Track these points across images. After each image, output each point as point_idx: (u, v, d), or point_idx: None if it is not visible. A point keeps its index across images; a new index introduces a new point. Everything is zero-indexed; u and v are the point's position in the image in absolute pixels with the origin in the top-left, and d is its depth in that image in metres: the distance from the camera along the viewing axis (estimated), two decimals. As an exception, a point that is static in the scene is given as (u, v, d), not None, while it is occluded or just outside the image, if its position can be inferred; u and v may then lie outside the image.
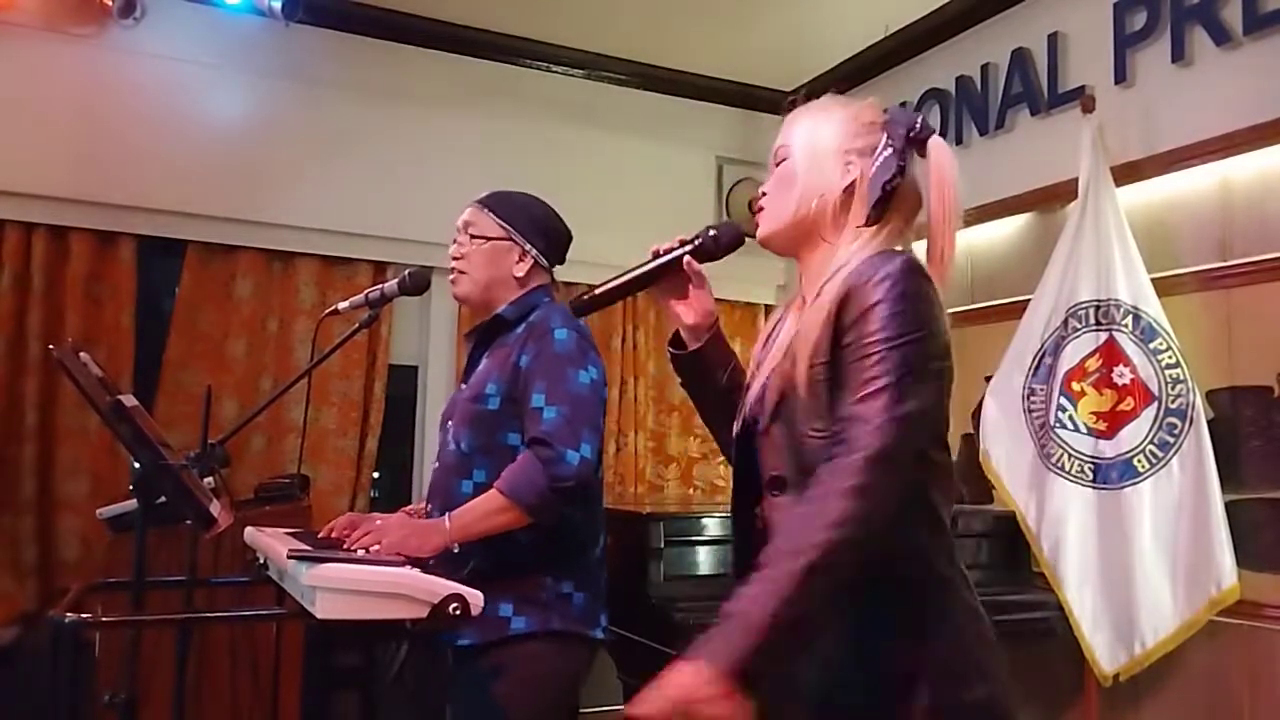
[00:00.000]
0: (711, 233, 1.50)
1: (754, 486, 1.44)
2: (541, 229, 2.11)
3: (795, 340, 1.35)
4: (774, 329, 1.52)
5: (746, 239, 1.53)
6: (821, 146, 1.43)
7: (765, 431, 1.37)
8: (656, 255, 1.50)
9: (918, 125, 1.40)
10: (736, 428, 1.46)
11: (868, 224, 1.39)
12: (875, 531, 1.19)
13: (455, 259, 2.09)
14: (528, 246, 2.08)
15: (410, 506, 2.22)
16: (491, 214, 2.08)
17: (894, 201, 1.39)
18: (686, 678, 1.13)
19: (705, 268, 1.53)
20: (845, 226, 1.41)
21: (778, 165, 1.48)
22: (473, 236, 2.08)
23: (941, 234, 1.37)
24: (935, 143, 1.40)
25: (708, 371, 1.55)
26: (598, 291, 1.51)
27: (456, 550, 1.86)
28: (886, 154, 1.39)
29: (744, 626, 1.14)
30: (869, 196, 1.39)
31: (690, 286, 1.51)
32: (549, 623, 1.91)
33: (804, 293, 1.47)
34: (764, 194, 1.49)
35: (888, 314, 1.25)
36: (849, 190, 1.41)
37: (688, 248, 1.50)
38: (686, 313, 1.52)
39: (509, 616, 1.90)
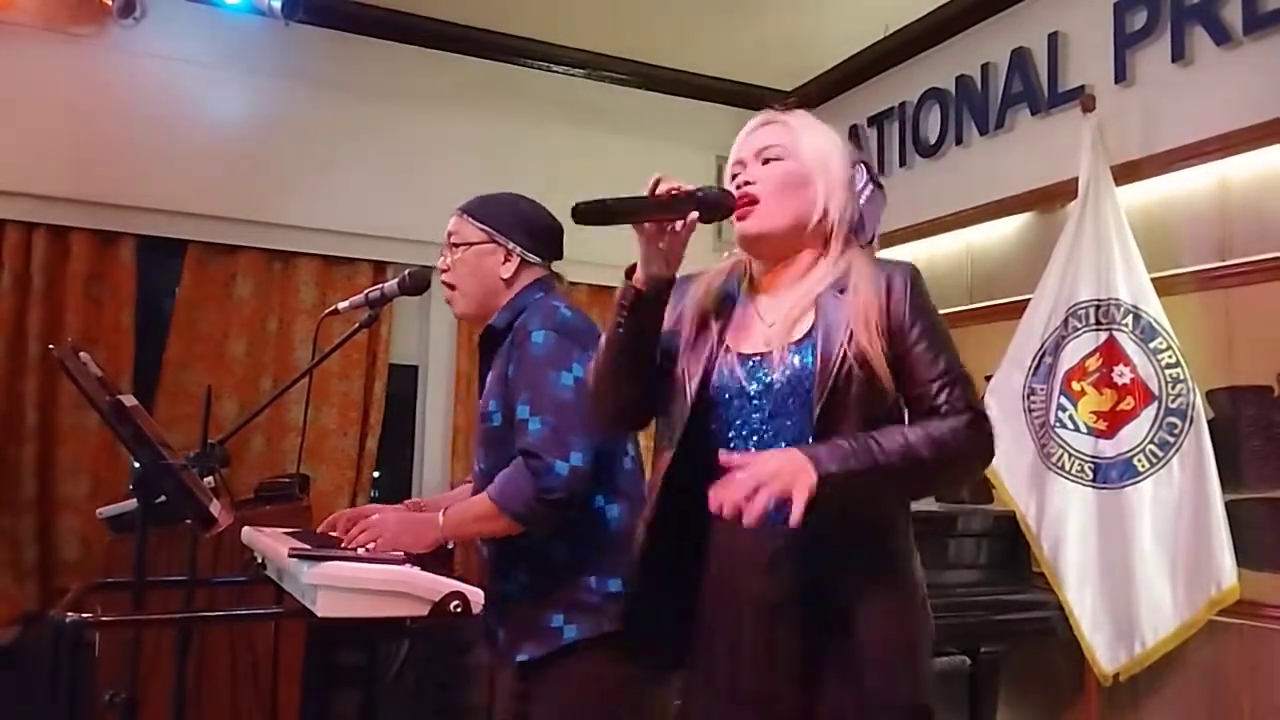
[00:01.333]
0: (717, 193, 1.52)
1: (703, 465, 1.47)
2: (523, 225, 2.03)
3: (843, 329, 1.47)
4: (709, 307, 1.59)
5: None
6: (835, 167, 1.58)
7: (821, 415, 1.43)
8: (656, 186, 1.46)
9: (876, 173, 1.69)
10: (688, 410, 1.52)
11: (865, 244, 1.61)
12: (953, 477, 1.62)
13: (444, 272, 2.04)
14: (511, 245, 2.00)
15: (411, 500, 2.21)
16: (471, 219, 2.02)
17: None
18: (793, 463, 1.34)
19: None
20: (832, 243, 1.58)
21: (771, 163, 1.57)
22: (454, 245, 2.03)
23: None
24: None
25: (652, 324, 1.53)
26: (608, 201, 1.42)
27: (495, 565, 1.88)
28: (874, 190, 1.63)
29: (862, 461, 1.38)
30: (870, 226, 1.62)
31: (673, 236, 1.48)
32: (601, 626, 1.83)
33: (766, 282, 1.59)
34: (751, 183, 1.55)
35: (933, 317, 1.52)
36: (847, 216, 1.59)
37: (698, 196, 1.48)
38: (662, 262, 1.49)
39: (560, 627, 1.84)
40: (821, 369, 1.45)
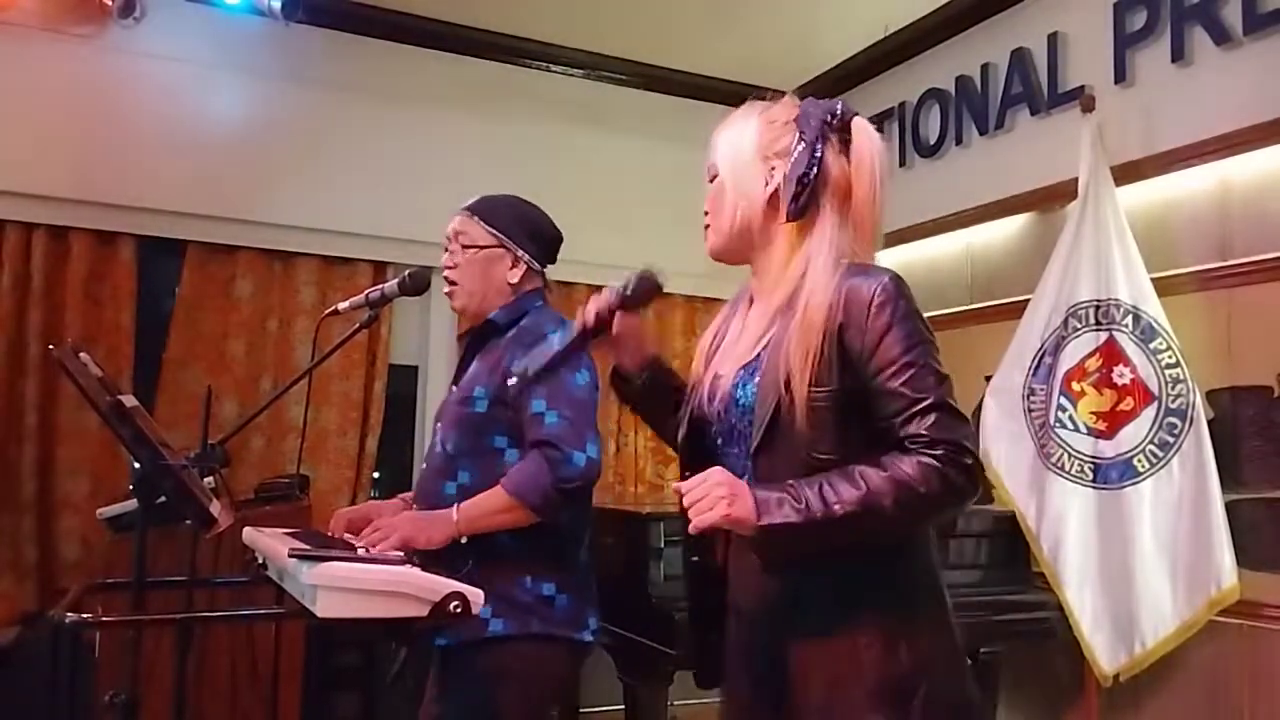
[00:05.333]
0: (626, 291, 1.54)
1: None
2: (532, 233, 2.10)
3: (783, 358, 1.36)
4: (722, 325, 1.59)
5: (661, 289, 1.56)
6: (742, 157, 1.49)
7: (758, 452, 1.39)
8: (584, 324, 1.56)
9: (836, 111, 1.46)
10: (684, 429, 1.54)
11: (789, 219, 1.44)
12: (925, 520, 1.39)
13: (448, 268, 2.08)
14: (520, 253, 2.07)
15: (406, 494, 2.21)
16: (481, 222, 2.07)
17: (821, 195, 1.44)
18: (743, 511, 1.27)
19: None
20: (778, 227, 1.47)
21: (711, 182, 1.54)
22: (464, 246, 2.06)
23: (868, 215, 1.44)
24: (858, 125, 1.46)
25: (654, 401, 1.64)
26: (538, 369, 1.63)
27: (439, 550, 1.86)
28: (799, 149, 1.44)
29: (812, 513, 1.27)
30: (785, 194, 1.44)
31: (623, 337, 1.58)
32: (528, 626, 1.90)
33: (754, 291, 1.55)
34: (706, 213, 1.55)
35: (903, 334, 1.34)
36: (775, 194, 1.47)
37: (599, 310, 1.55)
38: (624, 359, 1.62)
39: (487, 618, 1.88)
40: (759, 405, 1.39)
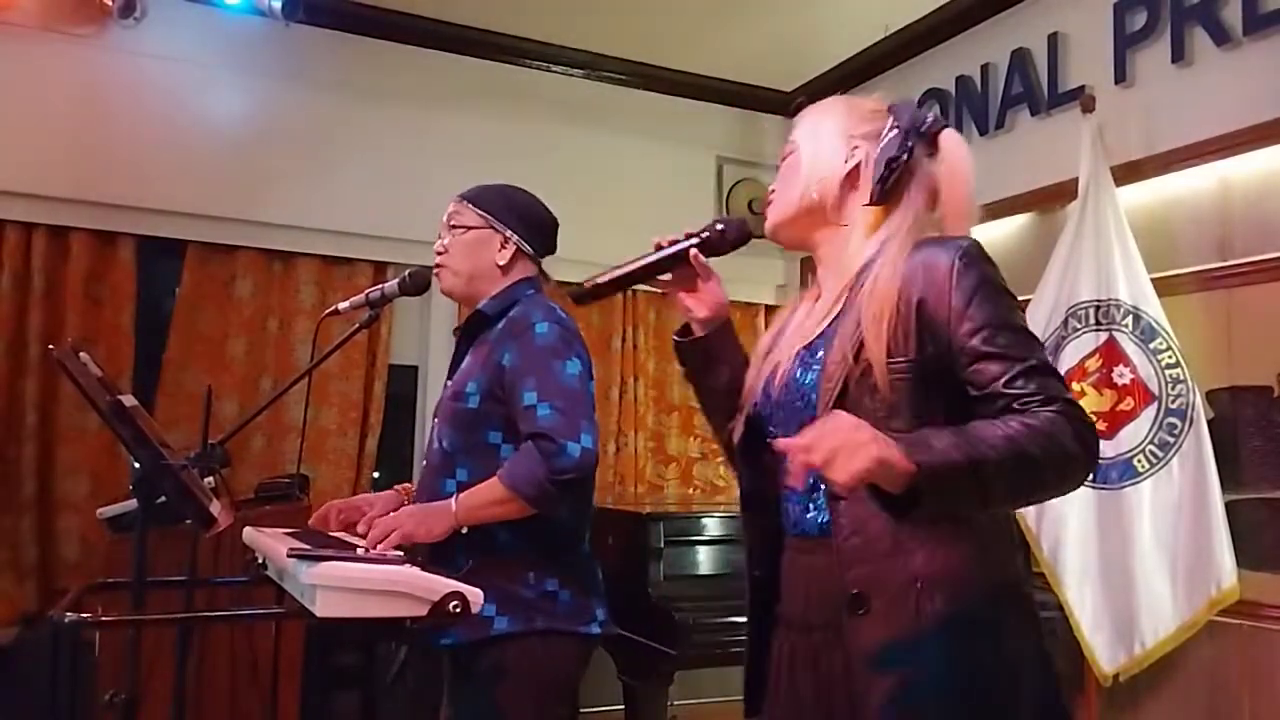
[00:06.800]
0: (719, 226, 1.49)
1: (769, 484, 1.44)
2: (521, 215, 2.09)
3: (852, 328, 1.30)
4: (783, 325, 1.52)
5: (753, 236, 1.51)
6: (824, 132, 1.46)
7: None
8: (659, 247, 1.47)
9: (929, 118, 1.41)
10: (741, 431, 1.45)
11: (873, 202, 1.39)
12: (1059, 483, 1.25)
13: (438, 254, 2.10)
14: (508, 233, 2.06)
15: (401, 485, 2.21)
16: (471, 205, 2.08)
17: (909, 185, 1.39)
18: (893, 453, 1.09)
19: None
20: (853, 208, 1.42)
21: (784, 161, 1.50)
22: (453, 227, 2.08)
23: (955, 229, 1.37)
24: (948, 135, 1.41)
25: (713, 363, 1.51)
26: (600, 280, 1.47)
27: (437, 548, 1.86)
28: (892, 134, 1.39)
29: (965, 454, 1.13)
30: (874, 173, 1.39)
31: (698, 280, 1.49)
32: (532, 622, 1.89)
33: (821, 282, 1.48)
34: (772, 190, 1.51)
35: (993, 296, 1.26)
36: (854, 172, 1.42)
37: (693, 241, 1.48)
38: (697, 306, 1.50)
39: (491, 616, 1.87)
40: (825, 380, 1.31)
